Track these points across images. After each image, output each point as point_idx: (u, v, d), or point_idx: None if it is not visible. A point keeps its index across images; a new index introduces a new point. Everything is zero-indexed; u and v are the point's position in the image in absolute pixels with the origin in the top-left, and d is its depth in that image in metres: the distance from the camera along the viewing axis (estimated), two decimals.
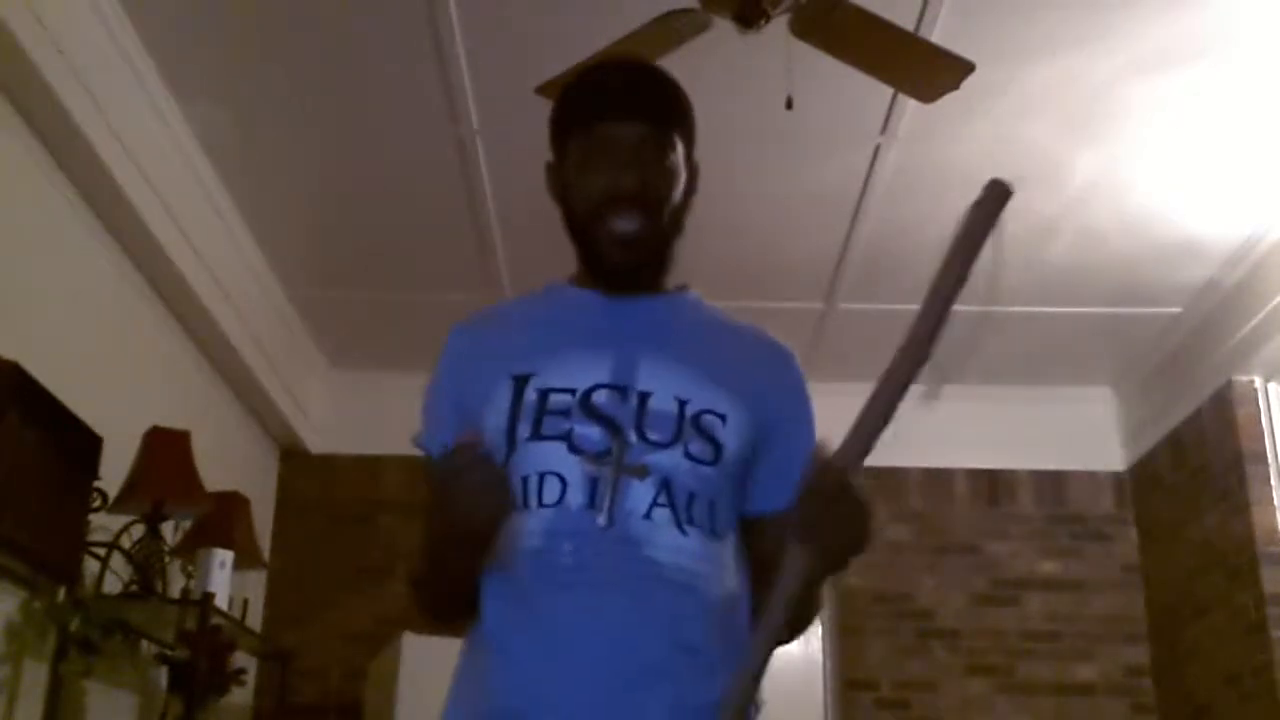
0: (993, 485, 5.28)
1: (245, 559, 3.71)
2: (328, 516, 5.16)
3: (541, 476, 1.34)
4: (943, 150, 3.64)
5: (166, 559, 3.37)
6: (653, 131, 1.44)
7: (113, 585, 3.25)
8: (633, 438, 1.35)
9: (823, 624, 5.09)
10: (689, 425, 1.37)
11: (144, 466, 3.31)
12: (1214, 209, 3.90)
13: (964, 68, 2.79)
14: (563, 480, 1.34)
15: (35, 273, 3.03)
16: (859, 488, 1.23)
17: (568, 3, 3.04)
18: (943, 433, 5.19)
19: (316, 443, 5.21)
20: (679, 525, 1.34)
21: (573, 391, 1.37)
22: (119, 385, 3.46)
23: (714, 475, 1.37)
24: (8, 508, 2.68)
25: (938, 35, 3.01)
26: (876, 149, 3.66)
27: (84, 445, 3.09)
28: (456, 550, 1.32)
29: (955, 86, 2.86)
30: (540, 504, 1.34)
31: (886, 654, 5.06)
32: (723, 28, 2.68)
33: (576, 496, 1.33)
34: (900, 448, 5.32)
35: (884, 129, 3.55)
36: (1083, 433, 5.26)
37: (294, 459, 5.20)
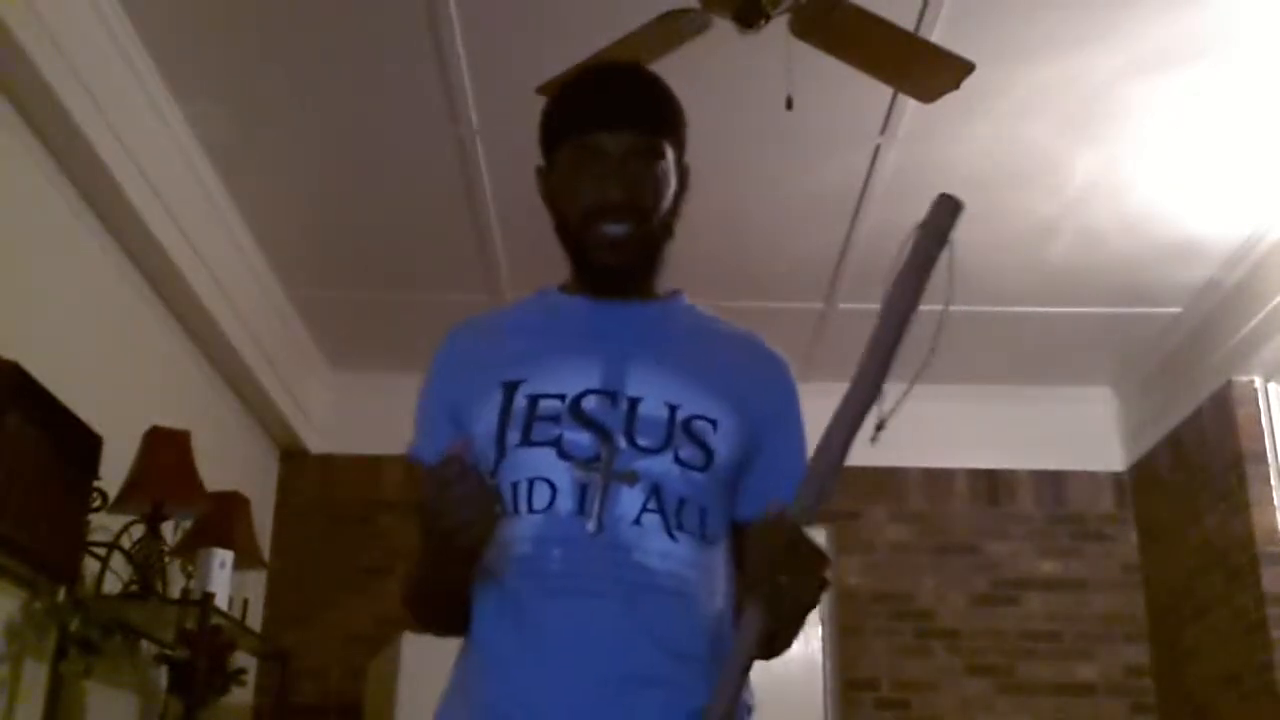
0: (993, 485, 5.28)
1: (245, 559, 3.70)
2: (328, 516, 5.16)
3: (531, 482, 1.34)
4: (943, 150, 3.64)
5: (166, 559, 3.37)
6: (641, 140, 1.43)
7: (113, 585, 3.25)
8: (622, 443, 1.34)
9: (823, 624, 5.11)
10: (680, 430, 1.36)
11: (144, 466, 3.31)
12: (1214, 209, 3.90)
13: (964, 68, 2.79)
14: (552, 486, 1.33)
15: (35, 273, 3.03)
16: (812, 538, 1.23)
17: (568, 3, 3.04)
18: (943, 433, 5.20)
19: (316, 443, 5.21)
20: (669, 531, 1.33)
21: (562, 397, 1.36)
22: (119, 385, 3.46)
23: (705, 481, 1.37)
24: (8, 508, 2.68)
25: (938, 35, 3.01)
26: (876, 149, 3.66)
27: (84, 445, 3.09)
28: (445, 562, 1.32)
29: (955, 86, 2.86)
30: (530, 510, 1.34)
31: (886, 654, 5.06)
32: (723, 28, 2.68)
33: (566, 502, 1.33)
34: (900, 448, 5.33)
35: (884, 129, 3.55)
36: (1083, 433, 5.27)
37: (294, 459, 5.20)
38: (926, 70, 2.84)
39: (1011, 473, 5.28)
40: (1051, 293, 4.47)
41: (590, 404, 1.36)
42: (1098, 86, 3.32)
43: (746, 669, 1.23)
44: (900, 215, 4.29)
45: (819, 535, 5.17)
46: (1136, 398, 5.17)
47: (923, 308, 1.32)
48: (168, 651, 3.48)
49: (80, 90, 2.92)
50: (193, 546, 3.51)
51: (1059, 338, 4.83)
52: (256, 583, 4.74)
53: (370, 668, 4.54)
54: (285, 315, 4.70)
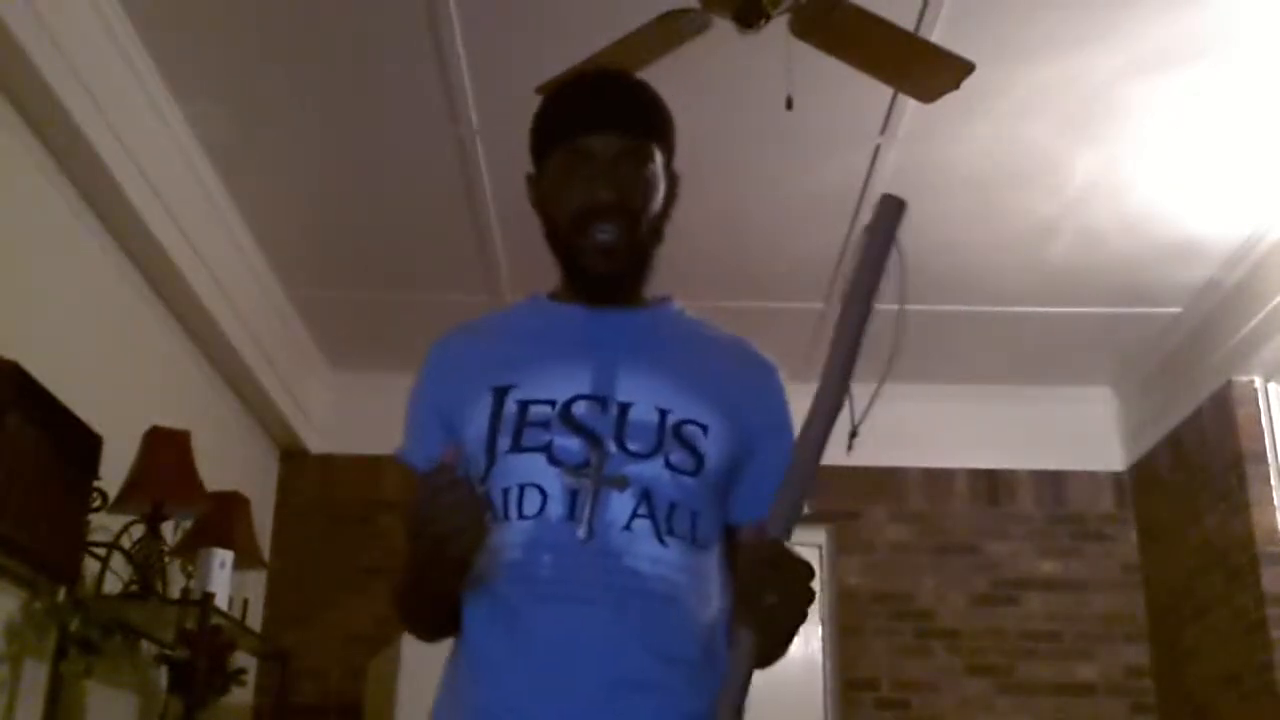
0: (993, 485, 5.28)
1: (245, 559, 3.71)
2: (328, 516, 5.16)
3: (522, 488, 1.34)
4: (943, 150, 3.64)
5: (166, 559, 3.37)
6: (630, 143, 1.44)
7: (113, 585, 3.25)
8: (612, 448, 1.34)
9: (823, 624, 5.11)
10: (670, 435, 1.36)
11: (144, 466, 3.31)
12: (1214, 209, 3.90)
13: (964, 68, 2.79)
14: (543, 492, 1.33)
15: (35, 273, 3.03)
16: (795, 550, 1.23)
17: (568, 3, 3.04)
18: (943, 433, 5.21)
19: (316, 443, 5.21)
20: (659, 536, 1.33)
21: (553, 403, 1.36)
22: (119, 385, 3.46)
23: (696, 485, 1.37)
24: (8, 508, 2.68)
25: (938, 35, 3.01)
26: (876, 149, 3.66)
27: (84, 445, 3.09)
28: (434, 568, 1.32)
29: (955, 86, 2.86)
30: (520, 516, 1.34)
31: (886, 654, 5.06)
32: (723, 28, 2.68)
33: (556, 508, 1.32)
34: (900, 448, 5.32)
35: (884, 129, 3.55)
36: (1083, 433, 5.27)
37: (294, 459, 5.20)
38: (926, 70, 2.84)
39: (1011, 473, 5.28)
40: (1051, 293, 4.47)
41: (580, 409, 1.36)
42: (1098, 86, 3.32)
43: (744, 691, 1.22)
44: None
45: (818, 535, 5.17)
46: (1136, 398, 5.17)
47: (882, 307, 1.31)
48: (168, 651, 3.48)
49: (80, 90, 2.92)
50: (193, 546, 3.51)
51: (1059, 338, 4.83)
52: (256, 583, 4.74)
53: (370, 668, 4.54)
54: (285, 315, 4.70)
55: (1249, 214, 3.92)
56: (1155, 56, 3.18)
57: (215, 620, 3.40)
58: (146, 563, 3.27)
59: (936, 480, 5.28)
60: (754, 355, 1.53)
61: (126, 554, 3.27)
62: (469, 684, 1.34)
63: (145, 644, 3.53)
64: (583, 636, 1.29)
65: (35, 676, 2.95)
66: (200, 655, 3.32)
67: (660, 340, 1.48)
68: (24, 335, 2.84)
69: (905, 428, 5.15)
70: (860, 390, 1.31)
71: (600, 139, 1.43)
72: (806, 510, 1.40)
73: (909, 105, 3.34)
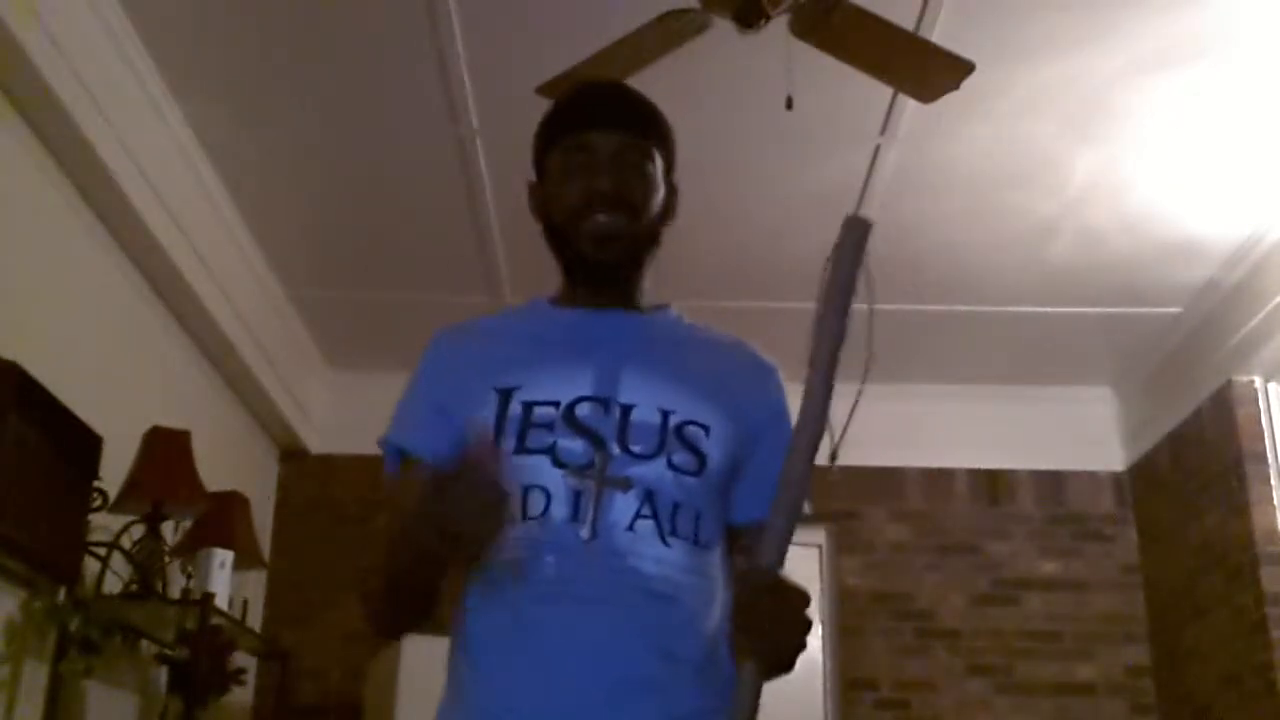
0: (993, 485, 5.28)
1: (245, 559, 3.70)
2: (328, 516, 5.15)
3: (526, 490, 1.34)
4: (943, 150, 3.64)
5: (166, 559, 3.37)
6: (631, 141, 1.47)
7: (113, 585, 3.25)
8: (615, 450, 1.35)
9: (823, 624, 5.11)
10: (672, 436, 1.38)
11: (144, 466, 3.31)
12: (1214, 209, 3.90)
13: (964, 68, 2.79)
14: (546, 493, 1.34)
15: (35, 273, 3.03)
16: (788, 579, 1.24)
17: (568, 3, 3.04)
18: (943, 433, 5.21)
19: (316, 443, 5.21)
20: (662, 537, 1.34)
21: (556, 404, 1.37)
22: (119, 385, 3.46)
23: (698, 486, 1.38)
24: (8, 508, 2.68)
25: (938, 35, 3.01)
26: (876, 149, 3.66)
27: (84, 445, 3.09)
28: (432, 564, 1.32)
29: (955, 86, 2.86)
30: (524, 517, 1.34)
31: (886, 654, 5.06)
32: (723, 28, 2.68)
33: (560, 509, 1.33)
34: (900, 448, 5.31)
35: (884, 129, 3.55)
36: (1083, 433, 5.27)
37: (294, 459, 5.20)
38: (926, 70, 2.84)
39: (1011, 473, 5.28)
40: (1051, 292, 4.47)
41: (583, 411, 1.37)
42: (1098, 86, 3.32)
43: None
44: (900, 215, 4.33)
45: (818, 535, 5.17)
46: (1136, 398, 5.17)
47: (865, 306, 1.32)
48: (168, 651, 3.48)
49: (80, 90, 2.92)
50: (193, 546, 3.51)
51: (1059, 338, 4.83)
52: (256, 583, 4.73)
53: (370, 668, 4.54)
54: (285, 315, 4.70)
55: (1249, 214, 3.92)
56: (1155, 56, 3.18)
57: (215, 620, 3.40)
58: (146, 563, 3.27)
59: (936, 480, 5.28)
60: (754, 356, 1.54)
61: (126, 554, 3.27)
62: (474, 685, 1.35)
63: (145, 644, 3.52)
64: (587, 636, 1.30)
65: (35, 676, 2.95)
66: (200, 655, 3.32)
67: (660, 342, 1.49)
68: (24, 335, 2.84)
69: (905, 428, 5.15)
70: (849, 398, 1.31)
71: (601, 135, 1.45)
72: (807, 510, 1.41)
73: (909, 105, 3.34)
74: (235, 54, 3.29)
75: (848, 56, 2.78)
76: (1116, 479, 5.28)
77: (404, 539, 1.33)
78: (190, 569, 3.49)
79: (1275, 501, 4.23)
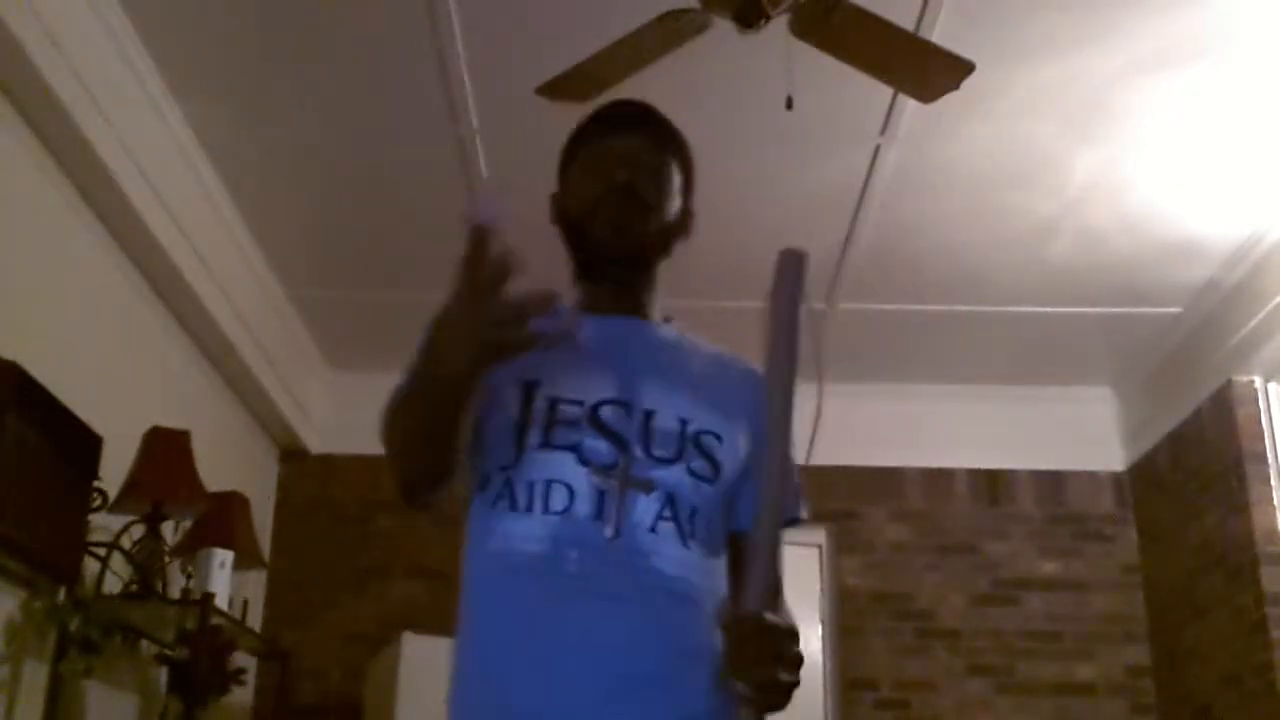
0: (993, 485, 5.28)
1: (245, 559, 3.70)
2: (328, 516, 5.16)
3: (549, 484, 1.37)
4: (943, 150, 3.64)
5: (166, 559, 3.37)
6: (651, 145, 1.51)
7: (113, 585, 3.25)
8: (639, 452, 1.38)
9: (823, 624, 5.11)
10: (690, 443, 1.41)
11: (144, 466, 3.31)
12: (1214, 209, 3.90)
13: (964, 68, 2.79)
14: (570, 490, 1.36)
15: (35, 273, 3.03)
16: (776, 620, 1.25)
17: (568, 3, 3.04)
18: (943, 433, 5.21)
19: (316, 443, 5.21)
20: (682, 539, 1.38)
21: (581, 404, 1.40)
22: (119, 385, 3.46)
23: (712, 493, 1.41)
24: (8, 508, 2.68)
25: (938, 35, 3.01)
26: (876, 149, 3.66)
27: (84, 445, 3.09)
28: (456, 389, 1.26)
29: (955, 86, 2.86)
30: (546, 511, 1.36)
31: (886, 654, 5.06)
32: (723, 28, 2.68)
33: (583, 506, 1.35)
34: (900, 448, 5.30)
35: (884, 129, 3.55)
36: (1083, 433, 5.27)
37: (294, 459, 5.20)
38: (926, 70, 2.84)
39: (1011, 473, 5.28)
40: (1051, 292, 4.47)
41: (608, 413, 1.40)
42: (1098, 86, 3.32)
43: None
44: (900, 215, 4.32)
45: (818, 535, 5.17)
46: (1136, 398, 5.17)
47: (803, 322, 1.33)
48: (168, 651, 3.48)
49: (80, 90, 2.92)
50: (193, 546, 3.51)
51: (1059, 338, 4.83)
52: (256, 583, 4.73)
53: (370, 668, 4.54)
54: (285, 315, 4.70)
55: (1249, 214, 3.92)
56: (1155, 56, 3.18)
57: (215, 620, 3.40)
58: (146, 563, 3.27)
59: (936, 480, 5.28)
60: (752, 370, 1.56)
61: (126, 554, 3.27)
62: (490, 676, 1.35)
63: (145, 644, 3.52)
64: (607, 632, 1.32)
65: (35, 676, 2.95)
66: (200, 655, 3.32)
67: (672, 352, 1.52)
68: (24, 335, 2.84)
69: (905, 428, 5.16)
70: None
71: (622, 139, 1.51)
72: (804, 516, 1.47)
73: (909, 105, 3.34)
74: (235, 54, 3.29)
75: (848, 56, 2.78)
76: (1116, 479, 5.28)
77: (422, 373, 1.27)
78: (190, 569, 3.49)
79: (1275, 501, 4.23)
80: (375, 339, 4.98)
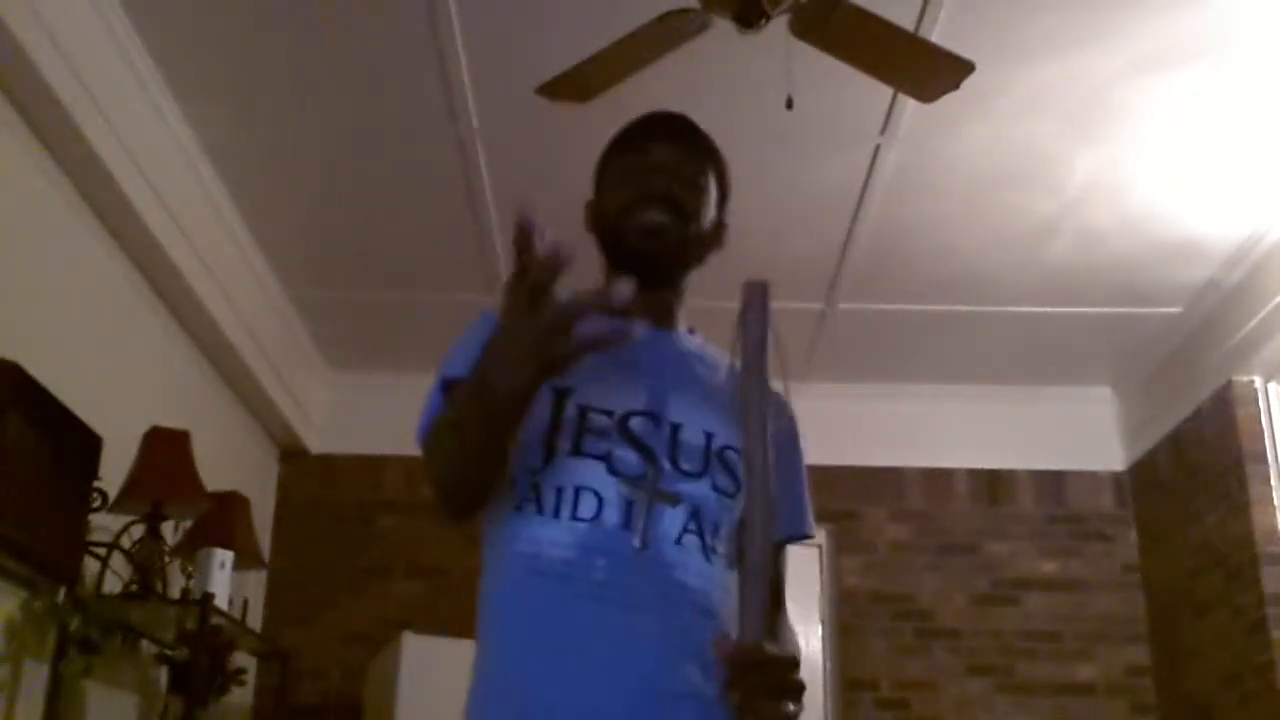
0: (993, 485, 5.28)
1: (245, 559, 3.71)
2: (328, 516, 5.16)
3: (577, 490, 1.37)
4: (943, 150, 3.64)
5: (166, 559, 3.37)
6: (688, 155, 1.53)
7: (113, 585, 3.25)
8: (666, 465, 1.39)
9: (823, 624, 5.11)
10: (715, 458, 1.42)
11: (144, 466, 3.31)
12: (1214, 209, 3.90)
13: (964, 68, 2.79)
14: (599, 498, 1.37)
15: (35, 273, 3.03)
16: (774, 650, 1.23)
17: (567, 3, 3.04)
18: (943, 433, 5.21)
19: (316, 443, 5.21)
20: (706, 553, 1.39)
21: (611, 414, 1.41)
22: (119, 385, 3.46)
23: (733, 509, 1.42)
24: (8, 508, 2.68)
25: (938, 35, 3.01)
26: (876, 149, 3.66)
27: (84, 445, 3.09)
28: (512, 401, 1.25)
29: (955, 86, 2.86)
30: (574, 517, 1.36)
31: (886, 654, 5.06)
32: (723, 28, 2.68)
33: (612, 515, 1.36)
34: (900, 448, 5.31)
35: (884, 129, 3.55)
36: (1083, 433, 5.27)
37: (294, 459, 5.20)
38: (926, 70, 2.84)
39: (1011, 473, 5.28)
40: (1051, 292, 4.47)
41: (637, 424, 1.41)
42: (1098, 86, 3.32)
43: None
44: (900, 215, 4.32)
45: (819, 535, 5.17)
46: (1136, 398, 5.17)
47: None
48: (168, 651, 3.48)
49: (80, 90, 2.92)
50: (193, 546, 3.51)
51: (1059, 338, 4.83)
52: (256, 583, 4.74)
53: (370, 668, 4.54)
54: (285, 315, 4.70)
55: (1249, 214, 3.92)
56: (1155, 56, 3.18)
57: (215, 620, 3.40)
58: (146, 563, 3.27)
59: (936, 480, 5.28)
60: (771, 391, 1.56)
61: (126, 554, 3.27)
62: (513, 682, 1.35)
63: (145, 644, 3.53)
64: (632, 642, 1.32)
65: (35, 676, 2.95)
66: (200, 655, 3.32)
67: (698, 368, 1.53)
68: (24, 335, 2.84)
69: (905, 428, 5.16)
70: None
71: (659, 146, 1.52)
72: (812, 533, 1.50)
73: (909, 105, 3.34)
74: (235, 54, 3.29)
75: (848, 56, 2.78)
76: (1116, 479, 5.28)
77: (477, 392, 1.25)
78: (190, 569, 3.49)
79: (1275, 501, 4.23)
80: (375, 339, 5.00)
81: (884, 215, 4.00)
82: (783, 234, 4.13)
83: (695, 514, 1.39)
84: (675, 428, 1.42)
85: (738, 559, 1.44)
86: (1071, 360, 5.04)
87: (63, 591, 3.05)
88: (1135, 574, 5.14)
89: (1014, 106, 3.41)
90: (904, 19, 2.90)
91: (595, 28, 2.76)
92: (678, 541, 1.37)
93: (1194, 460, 4.67)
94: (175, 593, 3.46)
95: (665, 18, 2.69)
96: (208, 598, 3.35)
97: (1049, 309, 4.60)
